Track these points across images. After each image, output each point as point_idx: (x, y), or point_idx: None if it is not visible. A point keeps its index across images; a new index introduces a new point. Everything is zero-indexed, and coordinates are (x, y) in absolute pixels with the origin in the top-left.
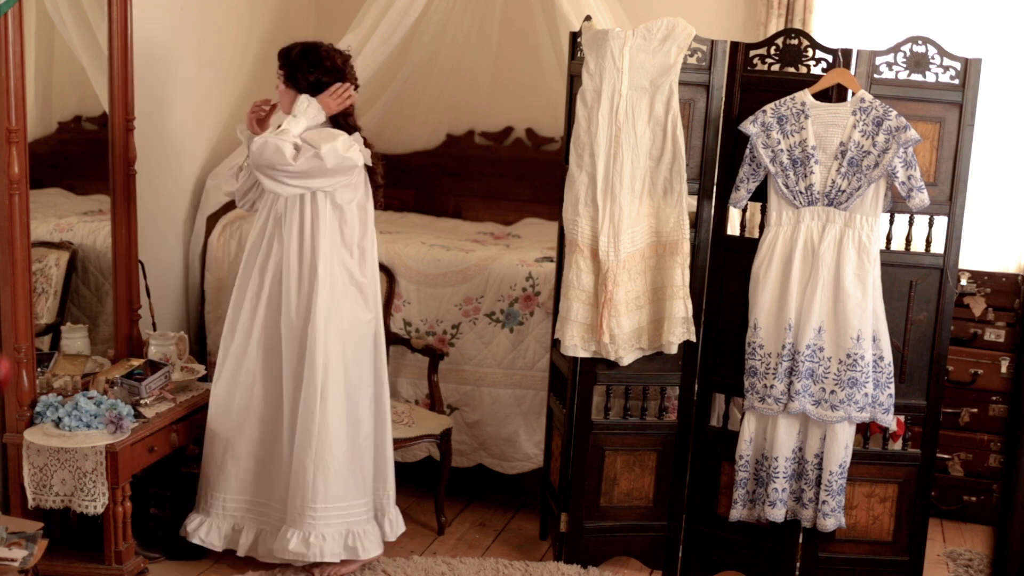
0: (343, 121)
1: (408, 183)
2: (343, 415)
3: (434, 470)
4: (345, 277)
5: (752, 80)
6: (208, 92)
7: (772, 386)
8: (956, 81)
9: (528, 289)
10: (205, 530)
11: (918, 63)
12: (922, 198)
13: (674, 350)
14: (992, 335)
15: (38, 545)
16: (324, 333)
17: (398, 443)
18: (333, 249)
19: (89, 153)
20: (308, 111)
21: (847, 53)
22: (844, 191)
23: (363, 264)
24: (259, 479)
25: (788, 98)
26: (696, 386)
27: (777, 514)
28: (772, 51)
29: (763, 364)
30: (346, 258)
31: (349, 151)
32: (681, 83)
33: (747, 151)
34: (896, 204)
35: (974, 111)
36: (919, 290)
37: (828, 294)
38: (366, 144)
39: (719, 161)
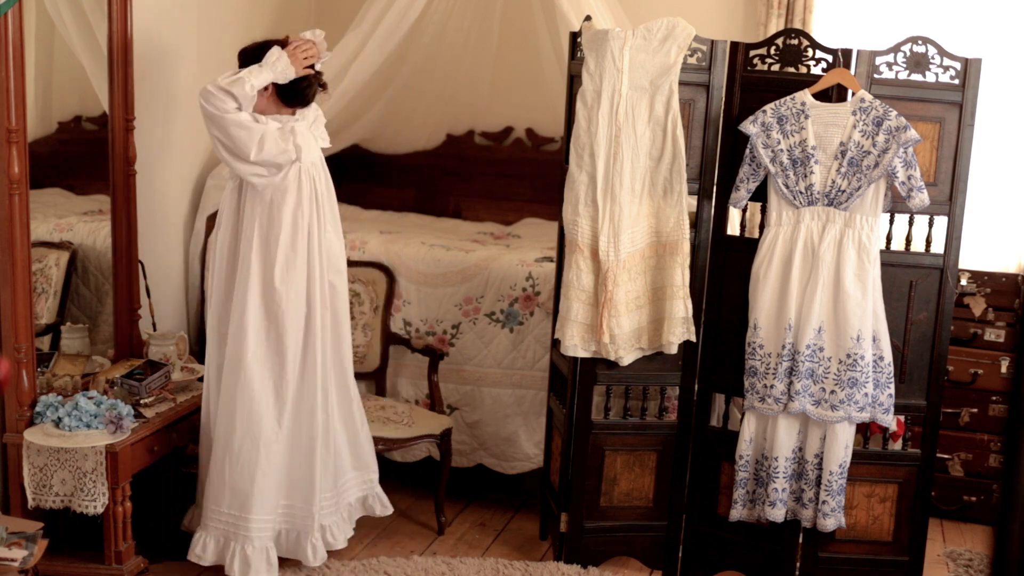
0: (298, 89)
1: (408, 183)
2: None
3: (434, 470)
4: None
5: (752, 80)
6: None
7: (772, 386)
8: (956, 81)
9: (528, 289)
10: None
11: (918, 63)
12: (922, 198)
13: (674, 350)
14: (992, 335)
15: (38, 545)
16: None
17: (398, 443)
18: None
19: (89, 153)
20: (277, 65)
21: (847, 53)
22: (844, 191)
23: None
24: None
25: (788, 98)
26: (696, 386)
27: (777, 514)
28: (772, 51)
29: (763, 364)
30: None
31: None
32: (681, 83)
33: (747, 151)
34: (896, 204)
35: (974, 111)
36: (919, 290)
37: (828, 294)
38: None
39: (719, 161)
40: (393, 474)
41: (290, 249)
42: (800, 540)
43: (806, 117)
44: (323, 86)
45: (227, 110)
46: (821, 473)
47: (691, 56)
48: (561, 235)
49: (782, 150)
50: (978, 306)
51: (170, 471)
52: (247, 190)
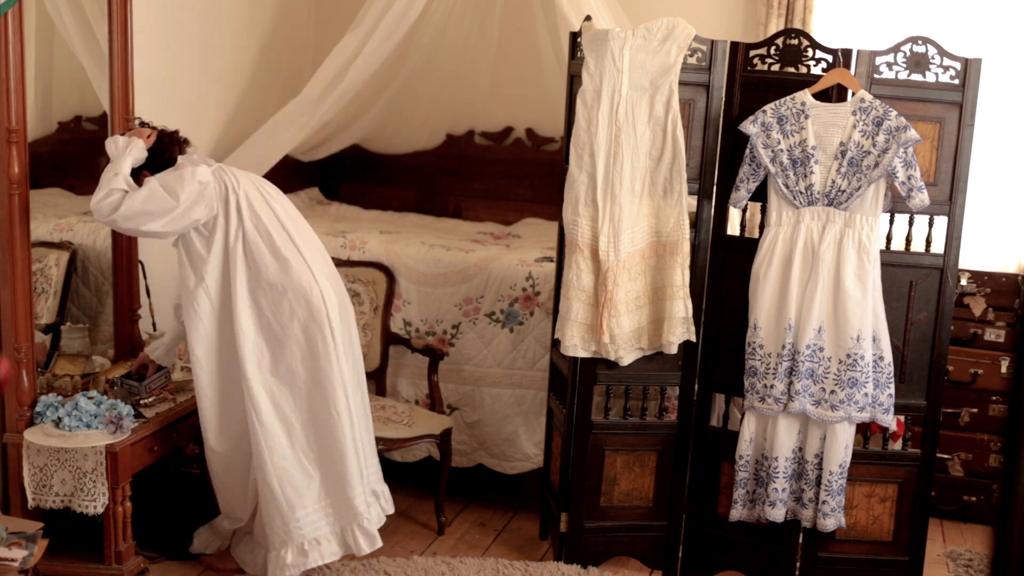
0: (159, 157)
1: (408, 183)
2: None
3: (434, 470)
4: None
5: (752, 80)
6: (208, 92)
7: (772, 386)
8: (956, 81)
9: (528, 289)
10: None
11: (918, 63)
12: (922, 198)
13: (674, 350)
14: (992, 335)
15: (38, 545)
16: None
17: (398, 443)
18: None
19: (89, 153)
20: (130, 148)
21: (847, 53)
22: (844, 191)
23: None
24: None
25: (788, 98)
26: (696, 386)
27: (777, 514)
28: (772, 51)
29: (763, 364)
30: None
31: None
32: (681, 83)
33: (747, 151)
34: (896, 204)
35: (974, 111)
36: (919, 290)
37: (828, 294)
38: (178, 146)
39: (719, 161)
40: (393, 474)
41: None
42: (800, 540)
43: (806, 117)
44: (182, 143)
45: (122, 200)
46: (821, 473)
47: (691, 56)
48: (561, 235)
49: (782, 150)
50: (978, 306)
51: (170, 471)
52: (190, 256)
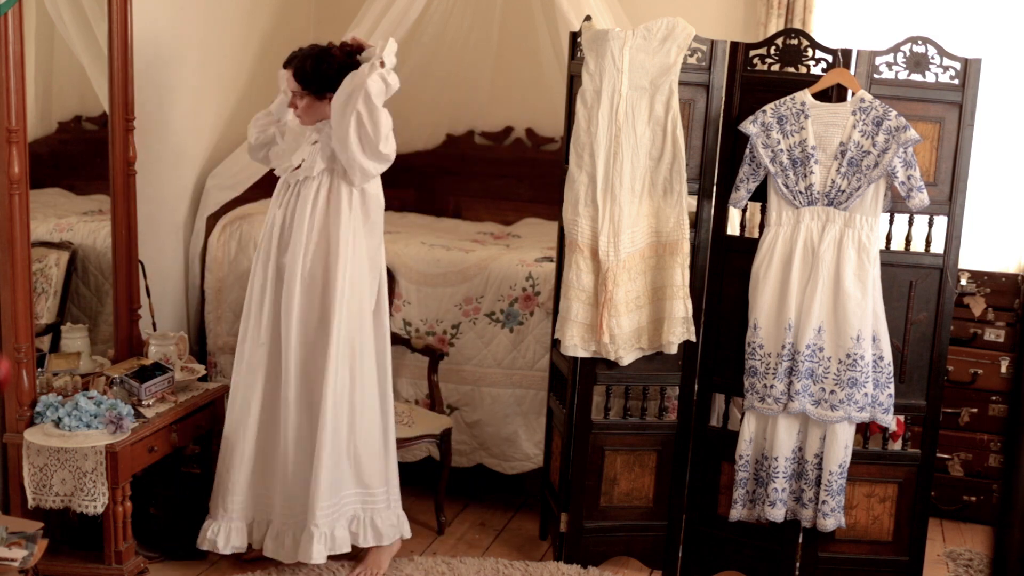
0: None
1: (408, 183)
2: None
3: (434, 470)
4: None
5: (752, 80)
6: (208, 92)
7: (772, 386)
8: (956, 81)
9: (528, 289)
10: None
11: (918, 63)
12: (922, 198)
13: (674, 350)
14: (992, 335)
15: (38, 545)
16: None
17: (398, 443)
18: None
19: (89, 153)
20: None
21: (847, 53)
22: (844, 191)
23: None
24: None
25: (788, 98)
26: (696, 386)
27: (777, 514)
28: (772, 51)
29: (763, 364)
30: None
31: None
32: (681, 83)
33: (747, 151)
34: (896, 204)
35: (974, 111)
36: (919, 290)
37: (828, 294)
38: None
39: (719, 161)
40: None
41: None
42: (800, 540)
43: (806, 117)
44: None
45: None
46: (821, 473)
47: (691, 56)
48: (561, 235)
49: (782, 150)
50: (978, 306)
51: (170, 471)
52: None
